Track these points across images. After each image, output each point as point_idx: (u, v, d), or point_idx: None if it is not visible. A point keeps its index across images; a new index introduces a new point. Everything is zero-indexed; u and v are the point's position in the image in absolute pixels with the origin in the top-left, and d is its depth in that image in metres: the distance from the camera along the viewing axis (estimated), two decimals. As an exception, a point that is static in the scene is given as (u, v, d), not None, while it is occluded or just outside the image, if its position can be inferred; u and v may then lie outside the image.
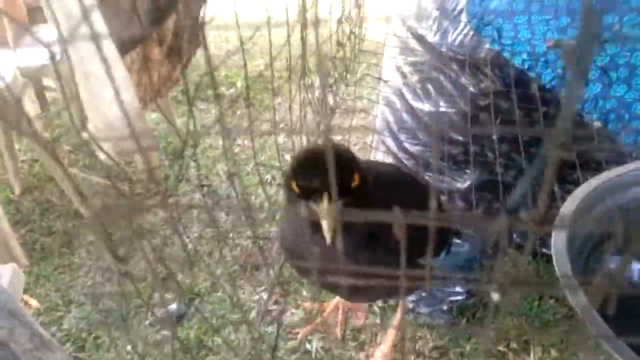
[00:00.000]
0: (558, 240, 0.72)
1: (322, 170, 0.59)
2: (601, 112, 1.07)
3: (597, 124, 1.19)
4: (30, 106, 1.85)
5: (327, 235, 0.62)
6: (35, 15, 1.89)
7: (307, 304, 1.39)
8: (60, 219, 1.77)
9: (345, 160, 0.68)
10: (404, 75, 1.36)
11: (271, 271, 1.50)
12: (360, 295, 0.95)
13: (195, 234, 1.71)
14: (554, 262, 0.73)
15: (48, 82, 2.31)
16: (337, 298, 1.26)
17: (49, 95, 2.38)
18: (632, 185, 0.85)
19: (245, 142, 2.12)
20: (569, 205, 0.82)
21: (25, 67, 1.63)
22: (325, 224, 0.62)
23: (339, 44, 1.03)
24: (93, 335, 1.39)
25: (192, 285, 1.53)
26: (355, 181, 0.67)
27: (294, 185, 0.67)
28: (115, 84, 0.33)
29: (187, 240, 1.68)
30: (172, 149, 2.08)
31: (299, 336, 1.28)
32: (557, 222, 0.61)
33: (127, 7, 1.07)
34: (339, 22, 1.05)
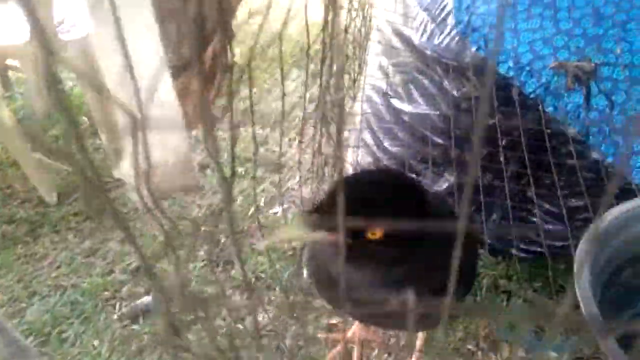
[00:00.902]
0: (582, 280, 0.70)
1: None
2: (583, 124, 1.09)
3: (573, 130, 1.22)
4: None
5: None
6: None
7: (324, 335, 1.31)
8: (24, 206, 1.69)
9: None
10: (386, 75, 1.36)
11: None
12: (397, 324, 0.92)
13: (166, 226, 1.67)
14: (581, 303, 0.71)
15: (13, 61, 2.21)
16: (353, 328, 1.24)
17: (13, 75, 2.27)
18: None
19: (219, 132, 2.07)
20: (586, 242, 0.80)
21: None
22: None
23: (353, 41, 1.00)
24: (57, 329, 1.35)
25: (161, 279, 1.50)
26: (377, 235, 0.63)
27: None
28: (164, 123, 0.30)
29: (158, 232, 1.64)
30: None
31: None
32: (578, 260, 0.61)
33: (173, 32, 1.02)
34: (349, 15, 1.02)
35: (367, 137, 1.40)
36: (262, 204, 1.76)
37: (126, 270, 1.52)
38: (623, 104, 1.04)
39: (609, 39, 1.07)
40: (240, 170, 1.88)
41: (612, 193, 0.26)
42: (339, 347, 1.23)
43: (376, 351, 1.29)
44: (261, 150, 1.99)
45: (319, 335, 1.30)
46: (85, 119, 2.08)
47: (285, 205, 1.75)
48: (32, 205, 1.70)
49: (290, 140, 2.04)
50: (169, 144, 0.36)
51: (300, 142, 2.02)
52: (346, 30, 1.18)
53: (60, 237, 1.60)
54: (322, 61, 0.97)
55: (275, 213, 1.73)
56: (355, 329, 1.23)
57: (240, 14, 2.64)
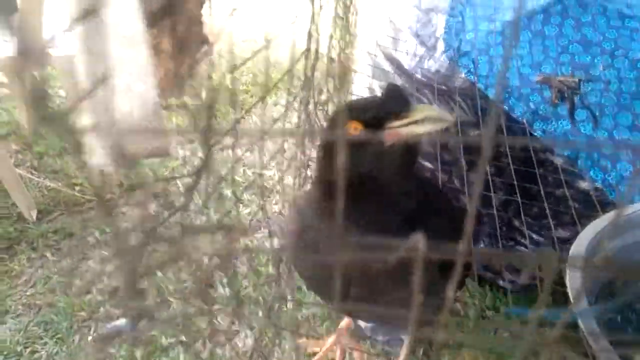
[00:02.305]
0: (577, 297, 0.69)
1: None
2: (571, 149, 1.09)
3: (560, 160, 1.22)
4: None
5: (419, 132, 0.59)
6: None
7: (304, 340, 1.29)
8: (2, 222, 1.65)
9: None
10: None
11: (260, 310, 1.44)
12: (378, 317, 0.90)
13: (149, 247, 1.63)
14: (579, 321, 0.69)
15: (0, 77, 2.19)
16: (335, 336, 1.21)
17: (-1, 90, 2.25)
18: (636, 227, 0.84)
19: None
20: (576, 248, 0.80)
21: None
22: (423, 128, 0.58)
23: (331, 59, 1.01)
24: (30, 348, 1.29)
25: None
26: None
27: (354, 125, 0.62)
28: (134, 69, 0.29)
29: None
30: (128, 155, 1.99)
31: None
32: (570, 265, 0.59)
33: None
34: (330, 37, 1.03)
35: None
36: (247, 226, 1.73)
37: (103, 291, 1.47)
38: (611, 129, 1.05)
39: (596, 66, 1.09)
40: (225, 192, 1.86)
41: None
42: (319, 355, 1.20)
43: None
44: (248, 172, 1.97)
45: (299, 341, 1.27)
46: (71, 136, 2.06)
47: (271, 228, 1.73)
48: (11, 221, 1.65)
49: (277, 163, 2.03)
50: (135, 93, 0.33)
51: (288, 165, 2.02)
52: (329, 50, 1.18)
53: (37, 255, 1.56)
54: (305, 80, 0.96)
55: (261, 236, 1.70)
56: (337, 335, 1.20)
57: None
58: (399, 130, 0.60)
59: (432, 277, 0.43)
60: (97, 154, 0.31)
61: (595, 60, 1.07)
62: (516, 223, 1.33)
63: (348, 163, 0.63)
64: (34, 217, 1.66)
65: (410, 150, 0.63)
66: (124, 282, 0.33)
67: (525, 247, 1.32)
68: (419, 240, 0.27)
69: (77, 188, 1.82)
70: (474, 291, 1.44)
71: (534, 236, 1.33)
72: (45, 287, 1.46)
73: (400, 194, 0.66)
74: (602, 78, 1.05)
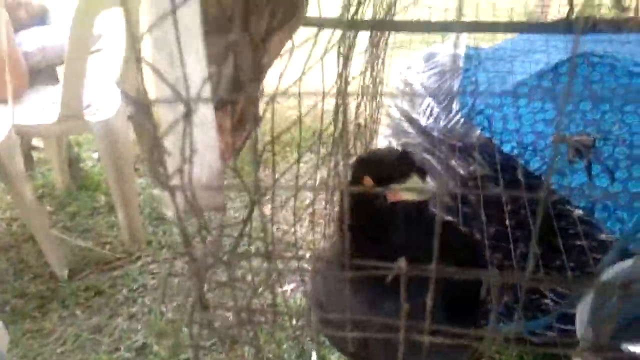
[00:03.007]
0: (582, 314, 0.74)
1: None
2: (587, 200, 1.12)
3: (579, 212, 1.24)
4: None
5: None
6: (36, 76, 1.93)
7: None
8: (35, 281, 1.70)
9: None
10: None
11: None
12: None
13: (175, 303, 1.66)
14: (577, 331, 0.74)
15: (37, 142, 2.32)
16: None
17: (36, 155, 2.38)
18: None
19: (231, 211, 2.12)
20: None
21: (20, 126, 1.64)
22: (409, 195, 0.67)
23: (359, 125, 1.08)
24: (59, 407, 1.31)
25: (167, 357, 1.47)
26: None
27: (366, 180, 0.73)
28: (204, 143, 0.34)
29: (166, 309, 1.63)
30: (157, 214, 2.06)
31: None
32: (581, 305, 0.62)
33: (214, 73, 1.09)
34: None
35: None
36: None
37: (131, 348, 1.49)
38: (625, 181, 1.08)
39: (607, 121, 1.13)
40: (250, 248, 1.90)
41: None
42: None
43: None
44: (272, 228, 2.01)
45: None
46: (101, 196, 2.14)
47: (294, 284, 1.75)
48: (43, 280, 1.71)
49: (300, 219, 2.07)
50: (205, 162, 0.39)
51: (311, 221, 2.06)
52: (356, 117, 1.26)
53: (68, 313, 1.60)
54: (333, 143, 1.02)
55: (285, 291, 1.72)
56: None
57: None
58: (399, 191, 0.71)
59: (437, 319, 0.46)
60: (172, 207, 0.35)
61: (606, 117, 1.12)
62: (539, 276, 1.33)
63: (361, 213, 0.70)
64: (66, 275, 1.72)
65: (416, 206, 0.72)
66: (194, 296, 0.37)
67: (551, 299, 1.32)
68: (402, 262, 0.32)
69: (107, 247, 1.88)
70: (500, 346, 1.43)
71: (558, 289, 1.33)
72: (75, 345, 1.49)
73: (407, 243, 0.71)
74: (613, 133, 1.09)
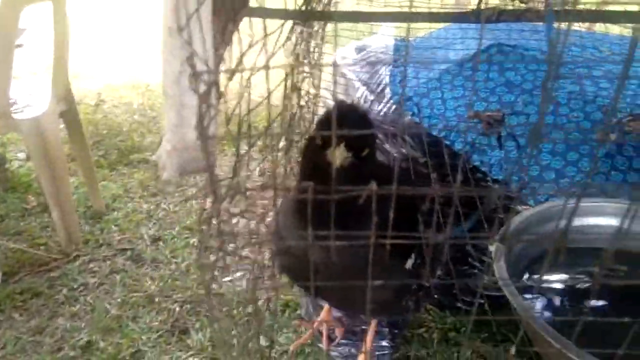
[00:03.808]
0: (498, 254, 0.86)
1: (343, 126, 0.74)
2: (504, 173, 1.25)
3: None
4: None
5: (335, 162, 0.77)
6: None
7: (297, 322, 1.51)
8: (-35, 286, 1.63)
9: (366, 127, 0.85)
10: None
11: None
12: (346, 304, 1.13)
13: (119, 299, 1.65)
14: (495, 271, 0.86)
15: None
16: (324, 313, 1.45)
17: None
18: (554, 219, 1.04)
19: (170, 206, 2.12)
20: (506, 228, 0.97)
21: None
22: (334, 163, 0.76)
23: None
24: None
25: (114, 353, 1.46)
26: (365, 151, 0.83)
27: (317, 139, 0.82)
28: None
29: (109, 305, 1.62)
30: (92, 213, 2.02)
31: (290, 349, 1.40)
32: (498, 239, 0.72)
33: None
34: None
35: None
36: (215, 272, 1.78)
37: (75, 346, 1.47)
38: (535, 156, 1.22)
39: (519, 104, 1.26)
40: (192, 241, 1.91)
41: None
42: (306, 336, 1.43)
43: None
44: (213, 221, 2.03)
45: (293, 322, 1.49)
46: (31, 197, 2.07)
47: (239, 273, 1.79)
48: (-24, 284, 1.64)
49: (240, 211, 2.10)
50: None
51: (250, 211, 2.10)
52: (300, 110, 1.33)
53: (5, 316, 1.55)
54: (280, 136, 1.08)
55: (230, 281, 1.75)
56: (323, 314, 1.45)
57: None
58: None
59: (385, 260, 0.54)
60: (168, 169, 0.39)
61: (518, 99, 1.25)
62: (467, 247, 1.46)
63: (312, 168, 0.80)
64: (0, 278, 1.66)
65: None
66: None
67: (480, 270, 1.45)
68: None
69: (41, 248, 1.82)
70: (435, 316, 1.55)
71: (483, 258, 1.46)
72: (15, 348, 1.45)
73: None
74: (523, 112, 1.22)
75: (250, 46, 0.45)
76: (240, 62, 0.42)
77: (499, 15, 0.55)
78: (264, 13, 0.57)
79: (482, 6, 0.63)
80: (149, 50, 3.82)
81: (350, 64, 1.55)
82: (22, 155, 2.29)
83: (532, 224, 1.08)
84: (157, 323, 1.57)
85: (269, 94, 0.54)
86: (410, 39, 1.66)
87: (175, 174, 0.41)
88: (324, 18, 0.78)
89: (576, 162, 1.19)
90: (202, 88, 0.37)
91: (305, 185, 0.47)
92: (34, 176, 2.13)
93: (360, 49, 1.65)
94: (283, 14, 0.64)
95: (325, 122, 0.88)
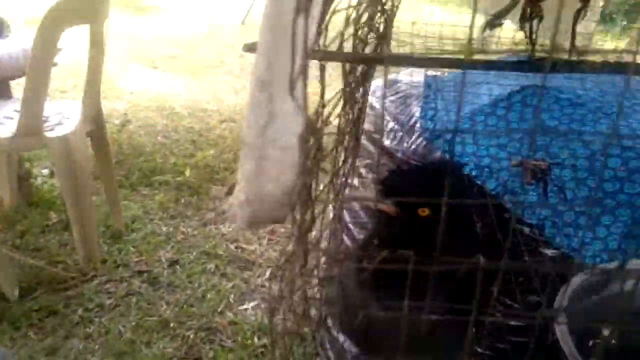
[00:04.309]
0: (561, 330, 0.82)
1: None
2: (538, 218, 1.22)
3: (526, 229, 1.35)
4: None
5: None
6: None
7: None
8: (-18, 301, 1.63)
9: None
10: (359, 175, 1.49)
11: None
12: None
13: (133, 323, 1.63)
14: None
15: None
16: None
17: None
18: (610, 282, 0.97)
19: (189, 229, 2.11)
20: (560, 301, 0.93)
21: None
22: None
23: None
24: None
25: (127, 378, 1.44)
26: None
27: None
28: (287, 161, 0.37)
29: (124, 328, 1.60)
30: (111, 233, 2.02)
31: None
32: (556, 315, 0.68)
33: None
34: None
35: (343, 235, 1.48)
36: (231, 300, 1.76)
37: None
38: (571, 201, 1.19)
39: (554, 147, 1.25)
40: (209, 266, 1.90)
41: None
42: None
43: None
44: (231, 247, 2.02)
45: None
46: (53, 214, 2.08)
47: (254, 302, 1.76)
48: (-9, 298, 1.64)
49: (259, 238, 2.09)
50: (281, 179, 0.40)
51: (270, 239, 2.08)
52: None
53: (20, 334, 1.53)
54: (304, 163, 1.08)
55: (246, 309, 1.73)
56: None
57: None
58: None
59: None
60: (239, 219, 0.38)
61: (553, 142, 1.23)
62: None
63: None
64: (16, 295, 1.65)
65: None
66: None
67: (500, 311, 1.40)
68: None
69: (59, 266, 1.82)
70: None
71: (508, 301, 1.42)
72: (23, 367, 1.43)
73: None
74: (560, 158, 1.21)
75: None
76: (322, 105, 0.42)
77: (553, 66, 0.54)
78: (326, 56, 0.57)
79: (534, 54, 0.63)
80: (175, 74, 3.89)
81: (379, 97, 1.55)
82: (45, 172, 2.32)
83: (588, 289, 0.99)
84: (170, 349, 1.54)
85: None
86: (440, 74, 1.66)
87: (245, 225, 0.40)
88: (376, 62, 0.78)
89: (609, 226, 1.18)
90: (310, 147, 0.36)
91: (406, 254, 0.45)
92: (57, 193, 2.14)
93: (390, 83, 1.65)
94: (343, 58, 0.64)
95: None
